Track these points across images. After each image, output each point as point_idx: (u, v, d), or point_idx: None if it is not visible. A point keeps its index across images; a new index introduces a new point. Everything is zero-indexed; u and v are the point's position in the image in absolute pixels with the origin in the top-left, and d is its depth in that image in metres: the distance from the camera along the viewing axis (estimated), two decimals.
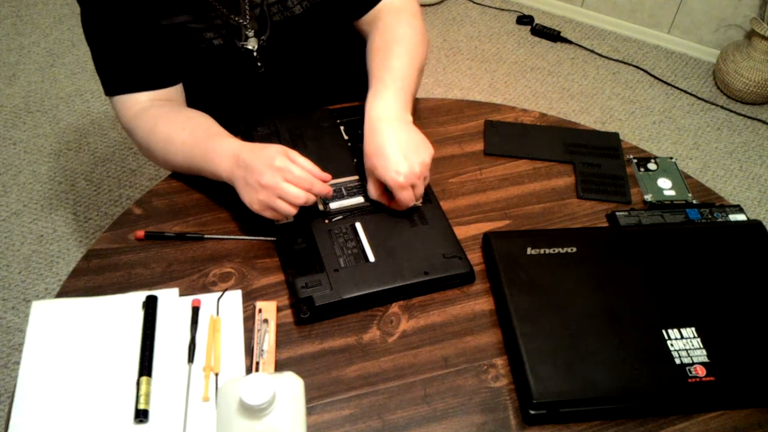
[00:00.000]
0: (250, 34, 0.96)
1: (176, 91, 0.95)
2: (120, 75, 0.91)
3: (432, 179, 0.92)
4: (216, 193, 0.90)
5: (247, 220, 0.88)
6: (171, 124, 0.89)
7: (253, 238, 0.86)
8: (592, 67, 2.40)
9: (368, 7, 0.99)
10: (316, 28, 1.01)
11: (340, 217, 0.86)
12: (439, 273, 0.81)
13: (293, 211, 0.79)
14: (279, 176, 0.78)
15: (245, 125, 0.95)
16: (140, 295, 0.79)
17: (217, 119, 0.91)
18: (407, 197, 0.83)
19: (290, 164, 0.79)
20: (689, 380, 0.72)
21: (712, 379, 0.72)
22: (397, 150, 0.83)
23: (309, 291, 0.78)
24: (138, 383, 0.71)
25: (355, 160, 0.93)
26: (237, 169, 0.81)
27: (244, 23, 0.95)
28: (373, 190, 0.86)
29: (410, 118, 0.88)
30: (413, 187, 0.83)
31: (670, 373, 0.72)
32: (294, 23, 0.97)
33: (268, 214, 0.80)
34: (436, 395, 0.73)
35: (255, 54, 0.98)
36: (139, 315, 0.77)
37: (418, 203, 0.88)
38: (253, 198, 0.80)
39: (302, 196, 0.78)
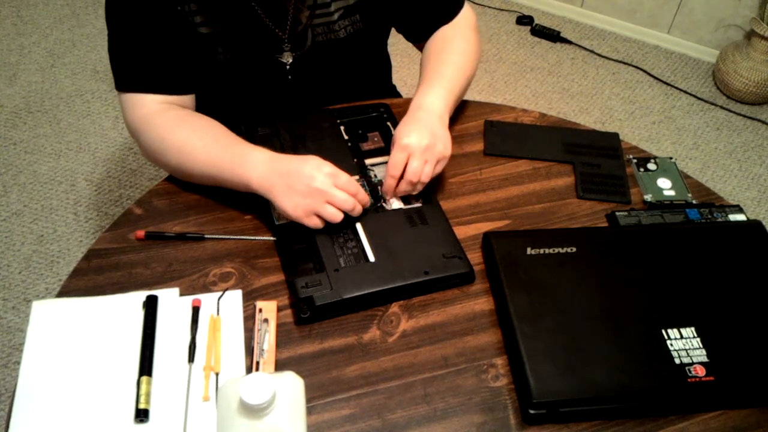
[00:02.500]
0: (287, 48, 0.99)
1: (189, 100, 0.95)
2: (137, 72, 0.90)
3: (432, 179, 0.92)
4: (216, 193, 0.90)
5: (247, 220, 0.88)
6: (192, 129, 0.88)
7: (253, 238, 0.86)
8: (592, 67, 2.40)
9: (430, 33, 1.04)
10: (354, 52, 1.05)
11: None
12: (439, 273, 0.81)
13: (340, 216, 0.81)
14: (329, 182, 0.80)
15: (246, 126, 0.95)
16: (141, 295, 0.79)
17: (229, 123, 0.91)
18: (398, 159, 0.85)
19: (338, 171, 0.82)
20: (689, 380, 0.72)
21: (711, 378, 0.72)
22: (418, 125, 0.87)
23: (309, 291, 0.78)
24: (138, 383, 0.71)
25: (355, 160, 0.93)
26: (276, 176, 0.81)
27: (284, 37, 0.97)
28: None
29: (447, 118, 0.92)
30: (410, 157, 0.84)
31: (669, 373, 0.72)
32: (335, 45, 1.01)
33: (310, 220, 0.81)
34: (436, 395, 0.73)
35: (287, 67, 1.01)
36: (140, 315, 0.77)
37: (413, 198, 0.88)
38: (298, 203, 0.80)
39: (350, 201, 0.81)
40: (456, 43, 1.01)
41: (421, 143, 0.85)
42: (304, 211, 0.80)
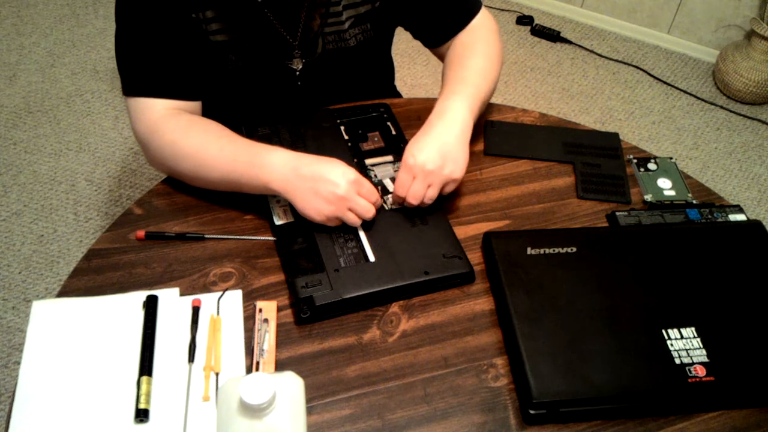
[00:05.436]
0: (297, 54, 0.99)
1: (197, 107, 0.93)
2: (147, 76, 0.88)
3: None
4: (216, 193, 0.90)
5: (247, 220, 0.88)
6: (205, 132, 0.87)
7: (254, 238, 0.86)
8: (592, 67, 2.40)
9: (448, 37, 1.03)
10: (362, 59, 1.05)
11: None
12: (439, 273, 0.81)
13: (359, 222, 0.83)
14: (354, 190, 0.81)
15: (246, 126, 0.95)
16: (141, 295, 0.79)
17: (236, 128, 0.90)
18: (403, 180, 0.84)
19: (362, 179, 0.82)
20: (689, 380, 0.72)
21: (711, 379, 0.72)
22: (432, 142, 0.84)
23: (309, 291, 0.78)
24: (138, 383, 0.71)
25: (355, 160, 0.93)
26: (298, 179, 0.81)
27: (295, 43, 0.98)
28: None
29: (471, 123, 0.89)
30: (414, 179, 0.83)
31: (669, 373, 0.72)
32: (345, 53, 1.01)
33: (330, 222, 0.83)
34: (436, 395, 0.73)
35: (297, 73, 1.01)
36: (140, 315, 0.77)
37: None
38: (321, 207, 0.81)
39: (372, 210, 0.83)
40: (477, 47, 0.99)
41: (426, 166, 0.83)
42: (326, 216, 0.81)
